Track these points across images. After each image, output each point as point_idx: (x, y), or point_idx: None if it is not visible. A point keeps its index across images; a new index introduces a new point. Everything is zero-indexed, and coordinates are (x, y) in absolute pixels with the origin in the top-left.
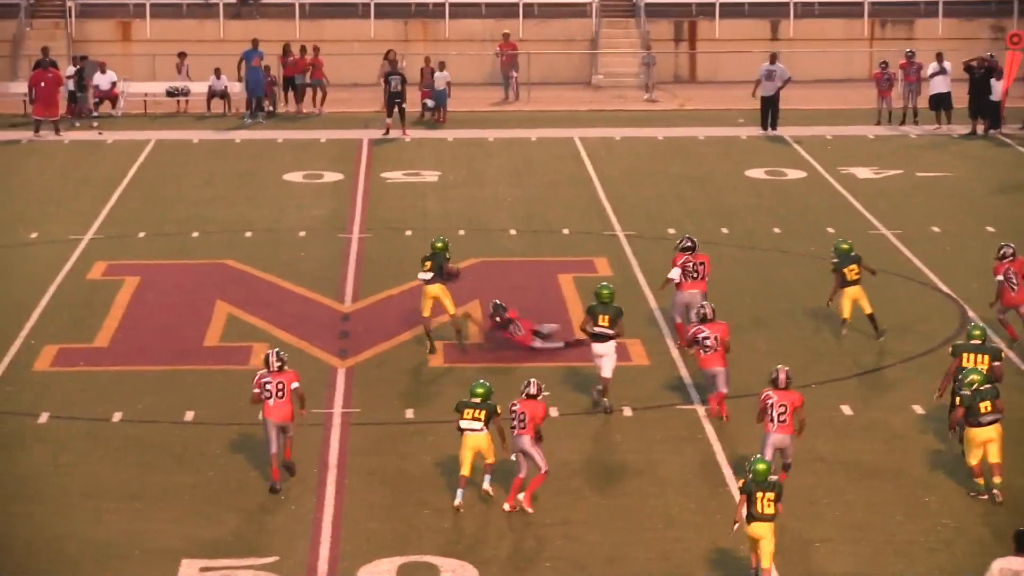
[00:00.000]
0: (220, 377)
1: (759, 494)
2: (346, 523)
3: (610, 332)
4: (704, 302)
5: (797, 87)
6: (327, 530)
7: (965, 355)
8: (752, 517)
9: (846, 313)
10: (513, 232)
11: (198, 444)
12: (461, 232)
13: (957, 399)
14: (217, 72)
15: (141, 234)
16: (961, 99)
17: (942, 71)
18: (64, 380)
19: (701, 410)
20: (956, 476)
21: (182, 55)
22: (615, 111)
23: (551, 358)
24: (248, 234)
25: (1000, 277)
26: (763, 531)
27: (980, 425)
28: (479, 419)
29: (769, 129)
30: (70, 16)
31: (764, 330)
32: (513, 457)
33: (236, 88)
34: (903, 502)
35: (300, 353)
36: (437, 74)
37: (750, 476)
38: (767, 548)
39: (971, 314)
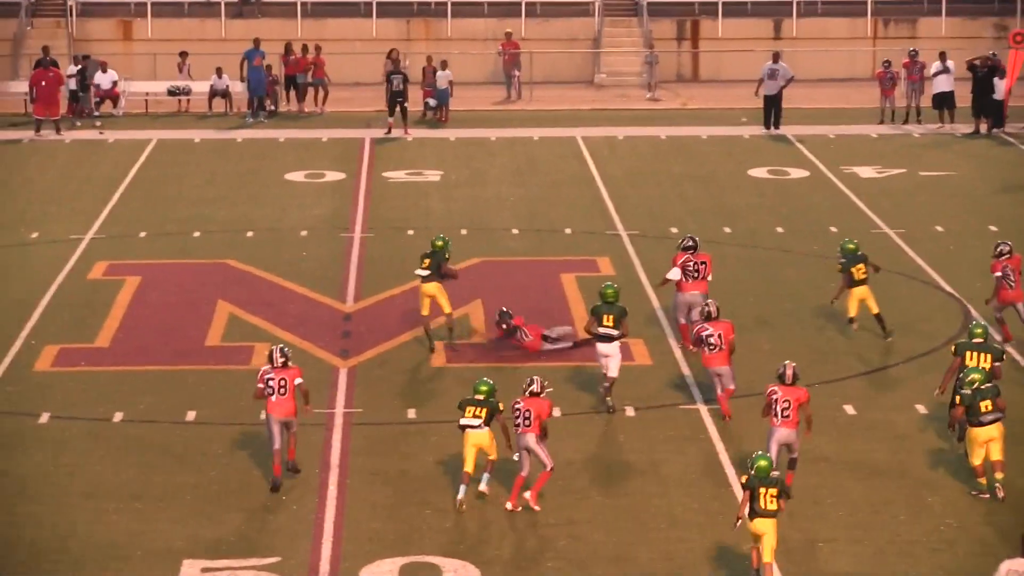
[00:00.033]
0: (221, 377)
1: (762, 490)
2: (348, 523)
3: (614, 333)
4: (709, 300)
5: (800, 86)
6: (329, 530)
7: (968, 353)
8: (755, 513)
9: (852, 312)
10: (515, 232)
11: (199, 444)
12: (463, 232)
13: (957, 398)
14: (219, 71)
15: (142, 234)
16: (964, 98)
17: (945, 70)
18: (65, 380)
19: (704, 410)
20: (959, 476)
21: (183, 54)
22: (618, 110)
23: (554, 358)
24: (250, 234)
25: (999, 274)
26: (766, 527)
27: (981, 425)
28: (479, 416)
29: (772, 128)
30: (71, 15)
31: (767, 330)
32: (516, 457)
33: (238, 87)
34: (906, 502)
35: (302, 353)
36: (439, 73)
37: (752, 472)
38: (769, 543)
39: (974, 313)
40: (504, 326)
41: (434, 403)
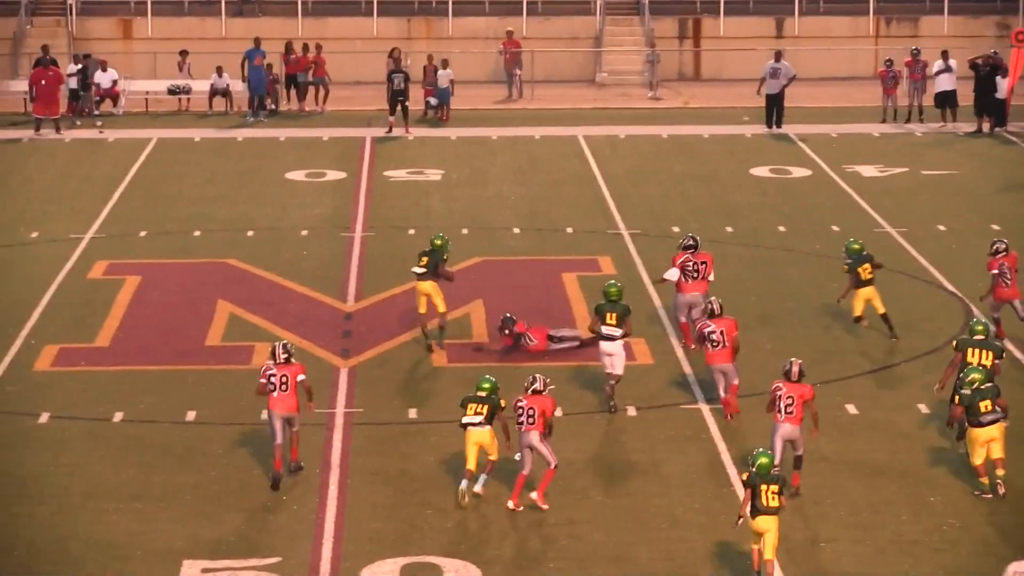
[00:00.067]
0: (222, 377)
1: (763, 487)
2: (349, 523)
3: (617, 333)
4: (712, 298)
5: (802, 85)
6: (330, 530)
7: (970, 350)
8: (757, 510)
9: (858, 311)
10: (517, 231)
11: (200, 444)
12: (464, 231)
13: (956, 397)
14: (219, 70)
15: (142, 233)
16: (967, 97)
17: (947, 69)
18: (65, 380)
19: (706, 409)
20: (961, 476)
21: (184, 53)
22: (619, 109)
23: (556, 357)
24: (250, 233)
25: (995, 271)
26: (768, 524)
27: (981, 425)
28: (480, 413)
29: (774, 127)
30: (71, 14)
31: (769, 328)
32: (517, 456)
33: (238, 86)
34: (908, 502)
35: (302, 353)
36: (440, 72)
37: (753, 470)
38: (770, 540)
39: (975, 312)
40: (507, 331)
41: (435, 403)
